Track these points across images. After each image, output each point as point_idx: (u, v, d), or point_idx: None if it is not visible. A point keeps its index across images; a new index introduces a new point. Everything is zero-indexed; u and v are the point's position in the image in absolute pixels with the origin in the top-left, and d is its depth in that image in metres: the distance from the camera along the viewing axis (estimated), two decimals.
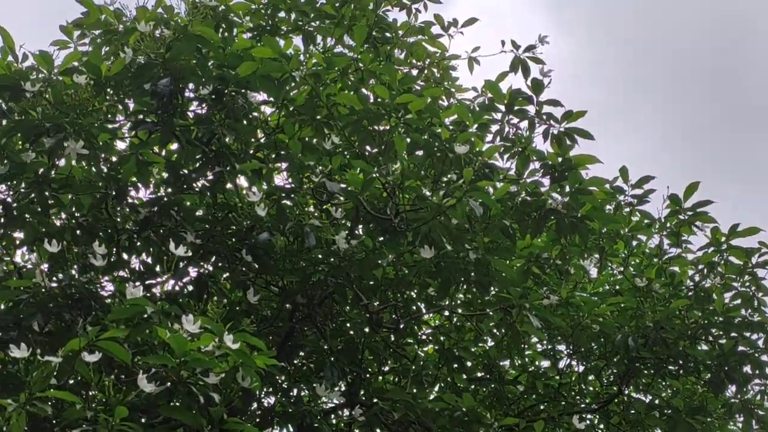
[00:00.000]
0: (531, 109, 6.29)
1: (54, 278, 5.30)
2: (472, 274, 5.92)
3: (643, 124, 17.83)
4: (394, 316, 6.68)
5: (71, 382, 4.56)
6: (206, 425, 4.24)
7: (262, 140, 6.11)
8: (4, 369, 5.20)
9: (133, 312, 4.41)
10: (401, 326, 6.51)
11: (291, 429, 6.30)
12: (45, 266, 6.03)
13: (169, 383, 4.15)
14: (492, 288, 6.04)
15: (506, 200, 5.94)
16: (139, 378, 4.11)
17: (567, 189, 6.06)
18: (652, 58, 17.96)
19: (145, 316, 4.46)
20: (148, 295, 5.07)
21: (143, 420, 4.51)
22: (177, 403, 4.31)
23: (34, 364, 4.31)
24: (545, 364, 7.67)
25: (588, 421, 7.02)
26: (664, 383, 7.44)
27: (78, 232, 5.70)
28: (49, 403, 4.10)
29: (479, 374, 7.30)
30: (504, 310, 6.15)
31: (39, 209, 5.64)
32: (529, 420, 6.30)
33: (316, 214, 5.99)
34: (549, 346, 7.53)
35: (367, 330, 6.56)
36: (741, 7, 17.18)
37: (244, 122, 5.76)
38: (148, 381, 4.13)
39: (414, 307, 6.73)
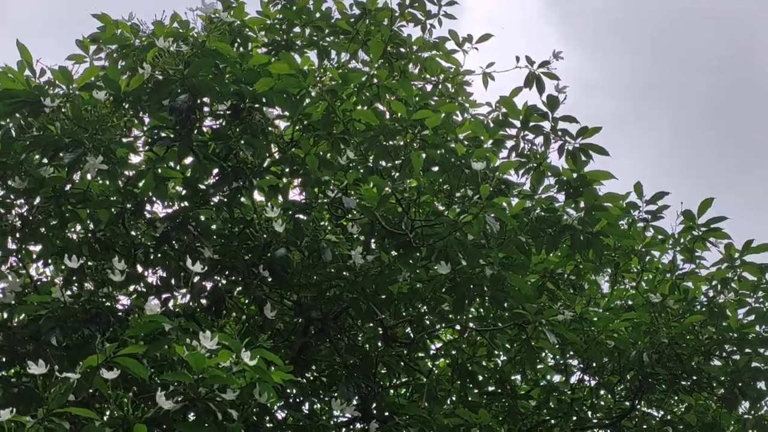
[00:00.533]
0: (546, 125, 6.34)
1: (71, 293, 5.32)
2: (487, 289, 5.93)
3: (655, 135, 17.81)
4: (407, 330, 6.70)
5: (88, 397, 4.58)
6: None
7: (277, 155, 6.13)
8: (22, 384, 5.20)
9: (151, 328, 4.44)
10: (415, 341, 6.53)
11: None
12: (58, 280, 6.10)
13: (187, 400, 4.16)
14: (506, 303, 6.04)
15: (521, 216, 5.96)
16: (158, 395, 4.12)
17: (582, 205, 6.10)
18: (661, 66, 17.95)
19: (164, 332, 4.49)
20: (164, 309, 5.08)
21: None
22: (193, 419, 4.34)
23: (52, 379, 4.35)
24: (557, 378, 7.67)
25: None
26: (676, 398, 7.44)
27: (95, 246, 5.72)
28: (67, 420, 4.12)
29: (491, 389, 7.30)
30: (519, 326, 6.15)
31: (57, 223, 5.67)
32: None
33: (330, 229, 6.00)
34: (561, 361, 7.54)
35: (381, 344, 6.58)
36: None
37: (261, 137, 5.78)
38: (167, 398, 4.15)
39: (427, 322, 6.74)
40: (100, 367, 4.16)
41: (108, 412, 4.29)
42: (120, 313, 5.36)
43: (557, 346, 5.92)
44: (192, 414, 4.28)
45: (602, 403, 7.66)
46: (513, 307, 5.99)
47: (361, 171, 6.25)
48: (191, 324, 4.44)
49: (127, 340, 4.39)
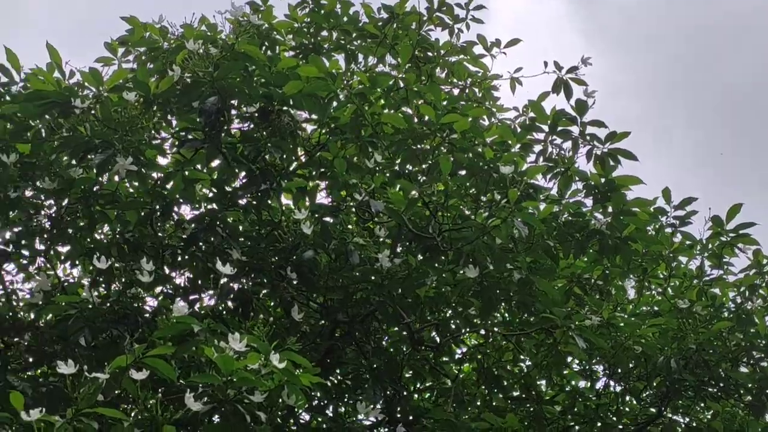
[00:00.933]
0: (574, 130, 6.31)
1: (99, 294, 5.34)
2: (514, 294, 5.92)
3: (679, 134, 17.72)
4: (433, 334, 6.69)
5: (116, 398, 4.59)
6: None
7: (304, 159, 6.14)
8: (50, 384, 5.21)
9: (180, 329, 4.44)
10: (441, 345, 6.52)
11: None
12: (86, 281, 6.13)
13: (215, 402, 4.16)
14: (534, 308, 6.03)
15: (549, 221, 5.94)
16: (186, 397, 4.13)
17: (610, 210, 6.07)
18: (684, 68, 17.88)
19: (192, 333, 4.50)
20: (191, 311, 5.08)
21: None
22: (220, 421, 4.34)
23: (80, 379, 4.36)
24: (582, 384, 7.64)
25: None
26: (703, 405, 7.39)
27: (124, 247, 5.74)
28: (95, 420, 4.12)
29: (515, 394, 7.28)
30: (546, 331, 6.13)
31: (85, 224, 5.69)
32: None
33: (357, 232, 6.00)
34: (587, 367, 7.51)
35: (406, 348, 6.57)
36: None
37: (289, 140, 5.79)
38: (195, 399, 4.15)
39: (453, 326, 6.73)
40: (128, 367, 4.18)
41: (136, 413, 4.31)
42: (147, 315, 5.38)
43: (585, 352, 5.88)
44: (219, 416, 4.29)
45: (627, 409, 7.63)
46: (540, 311, 5.97)
47: (388, 175, 6.24)
48: (219, 325, 4.44)
49: (155, 341, 4.39)
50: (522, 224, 5.43)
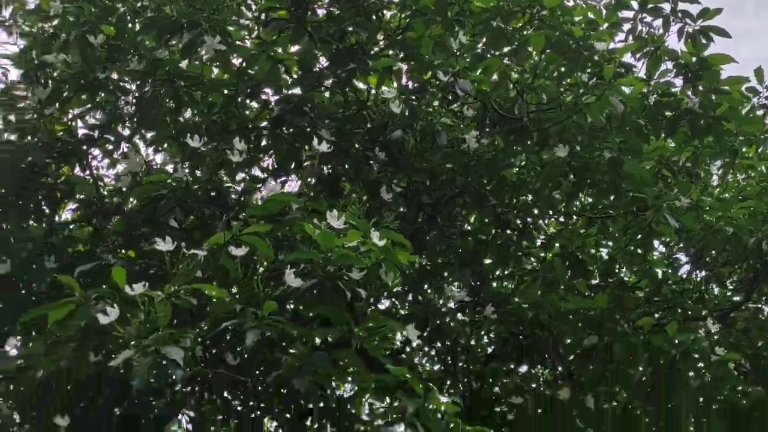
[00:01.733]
0: (666, 7, 6.12)
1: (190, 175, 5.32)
2: (603, 175, 5.82)
3: None
4: (518, 219, 6.62)
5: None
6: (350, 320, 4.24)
7: (383, 44, 6.03)
8: (143, 263, 5.21)
9: (277, 207, 4.41)
10: (526, 227, 6.46)
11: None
12: (170, 166, 6.11)
13: (315, 279, 4.14)
14: (624, 189, 5.92)
15: (640, 100, 5.81)
16: (287, 273, 4.11)
17: (701, 89, 5.93)
18: None
19: (284, 213, 4.46)
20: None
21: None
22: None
23: (177, 257, 4.37)
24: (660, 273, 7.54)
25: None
26: None
27: (210, 129, 5.69)
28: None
29: (594, 282, 7.20)
30: (633, 213, 6.04)
31: (171, 107, 5.65)
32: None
33: (444, 113, 5.90)
34: (667, 253, 7.42)
35: (491, 232, 6.52)
36: None
37: (374, 20, 5.68)
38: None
39: (535, 211, 6.65)
40: (226, 244, 4.17)
41: (235, 290, 4.30)
42: (234, 197, 5.35)
43: (676, 233, 5.78)
44: (318, 293, 4.26)
45: (709, 296, 7.53)
46: (629, 192, 5.87)
47: (468, 59, 6.11)
48: (319, 203, 4.39)
49: (249, 220, 4.37)
50: (617, 101, 5.31)
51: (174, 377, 3.84)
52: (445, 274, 6.44)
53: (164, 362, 3.79)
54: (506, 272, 7.11)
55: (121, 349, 3.91)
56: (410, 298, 6.57)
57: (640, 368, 5.78)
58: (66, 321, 4.02)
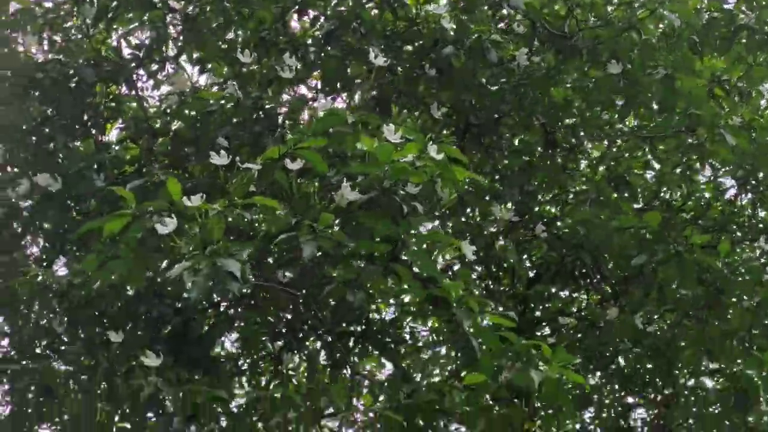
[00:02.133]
0: None
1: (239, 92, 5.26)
2: (655, 92, 5.72)
3: None
4: (564, 140, 6.54)
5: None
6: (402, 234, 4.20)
7: None
8: (192, 180, 5.18)
9: (332, 123, 4.34)
10: (574, 147, 6.39)
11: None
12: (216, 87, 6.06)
13: (372, 192, 4.10)
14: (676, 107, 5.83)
15: (694, 16, 5.71)
16: (343, 186, 4.08)
17: (755, 4, 5.82)
18: None
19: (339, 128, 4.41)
20: None
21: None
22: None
23: (231, 172, 4.34)
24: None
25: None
26: None
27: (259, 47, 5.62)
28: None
29: (636, 206, 7.11)
30: (686, 132, 5.95)
31: (219, 24, 5.58)
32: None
33: (494, 29, 5.80)
34: (712, 177, 7.32)
35: (538, 151, 6.45)
36: None
37: None
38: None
39: (582, 133, 6.57)
40: (282, 158, 4.13)
41: (290, 203, 4.26)
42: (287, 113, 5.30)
43: (732, 151, 5.69)
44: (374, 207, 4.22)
45: (755, 219, 7.44)
46: (682, 110, 5.78)
47: None
48: (373, 117, 4.34)
49: (303, 136, 4.33)
50: (673, 15, 5.21)
51: (230, 290, 3.81)
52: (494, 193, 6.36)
53: (221, 274, 3.78)
54: (553, 194, 7.05)
55: (176, 263, 3.91)
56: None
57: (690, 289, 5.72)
58: (121, 234, 4.01)
